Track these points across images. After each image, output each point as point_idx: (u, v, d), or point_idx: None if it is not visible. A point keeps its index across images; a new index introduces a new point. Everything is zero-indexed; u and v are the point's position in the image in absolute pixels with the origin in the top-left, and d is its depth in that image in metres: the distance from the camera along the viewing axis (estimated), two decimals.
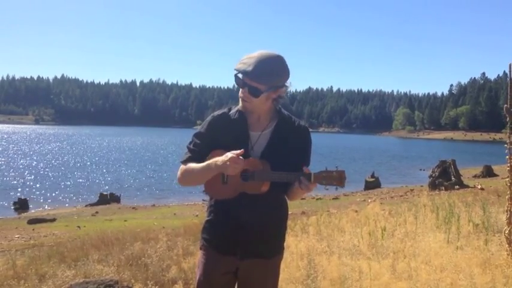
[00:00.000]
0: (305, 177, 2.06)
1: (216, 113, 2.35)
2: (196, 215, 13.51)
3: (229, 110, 2.33)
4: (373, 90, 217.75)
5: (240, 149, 2.14)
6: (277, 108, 2.30)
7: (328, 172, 2.05)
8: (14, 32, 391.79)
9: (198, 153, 2.28)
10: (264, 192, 2.16)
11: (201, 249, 2.39)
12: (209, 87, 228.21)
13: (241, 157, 2.09)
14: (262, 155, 2.21)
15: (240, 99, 2.25)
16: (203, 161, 2.23)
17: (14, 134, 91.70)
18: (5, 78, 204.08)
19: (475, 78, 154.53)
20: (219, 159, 2.11)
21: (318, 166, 2.19)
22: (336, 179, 2.04)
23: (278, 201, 2.31)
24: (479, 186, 16.51)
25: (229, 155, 2.07)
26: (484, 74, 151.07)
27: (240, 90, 2.21)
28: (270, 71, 2.11)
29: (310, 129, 2.39)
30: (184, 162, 2.29)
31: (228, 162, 2.05)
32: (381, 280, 3.99)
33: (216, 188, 2.25)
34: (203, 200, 17.21)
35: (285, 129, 2.27)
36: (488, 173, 24.57)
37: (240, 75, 2.17)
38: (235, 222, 2.23)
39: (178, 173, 2.31)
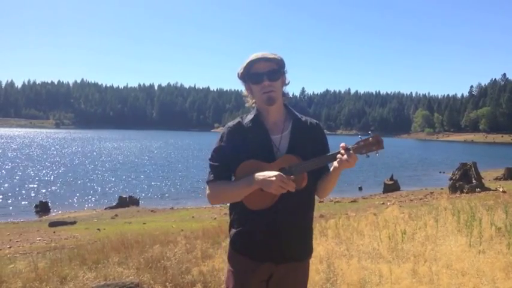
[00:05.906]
0: (345, 151, 2.07)
1: (230, 123, 2.33)
2: (215, 218, 13.56)
3: (242, 119, 2.33)
4: (391, 92, 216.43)
5: (265, 155, 2.17)
6: (287, 109, 2.34)
7: (364, 140, 2.08)
8: (35, 36, 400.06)
9: (221, 168, 2.24)
10: (304, 186, 2.16)
11: (229, 260, 2.34)
12: (227, 90, 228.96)
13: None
14: None
15: (262, 98, 2.23)
16: (230, 175, 2.23)
17: (35, 137, 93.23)
18: (26, 82, 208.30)
19: (495, 79, 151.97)
20: (265, 175, 2.09)
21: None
22: (374, 143, 2.07)
23: (310, 201, 2.31)
24: (501, 189, 16.19)
25: (274, 173, 2.07)
26: (504, 75, 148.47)
27: (259, 87, 2.22)
28: (269, 53, 2.24)
29: (328, 132, 2.40)
30: (212, 182, 2.25)
31: (273, 178, 2.04)
32: (402, 284, 3.95)
33: (254, 198, 2.18)
34: (221, 204, 17.23)
35: (301, 128, 2.30)
36: (510, 175, 24.10)
37: (254, 73, 2.21)
38: (272, 228, 2.20)
39: (208, 193, 2.26)
